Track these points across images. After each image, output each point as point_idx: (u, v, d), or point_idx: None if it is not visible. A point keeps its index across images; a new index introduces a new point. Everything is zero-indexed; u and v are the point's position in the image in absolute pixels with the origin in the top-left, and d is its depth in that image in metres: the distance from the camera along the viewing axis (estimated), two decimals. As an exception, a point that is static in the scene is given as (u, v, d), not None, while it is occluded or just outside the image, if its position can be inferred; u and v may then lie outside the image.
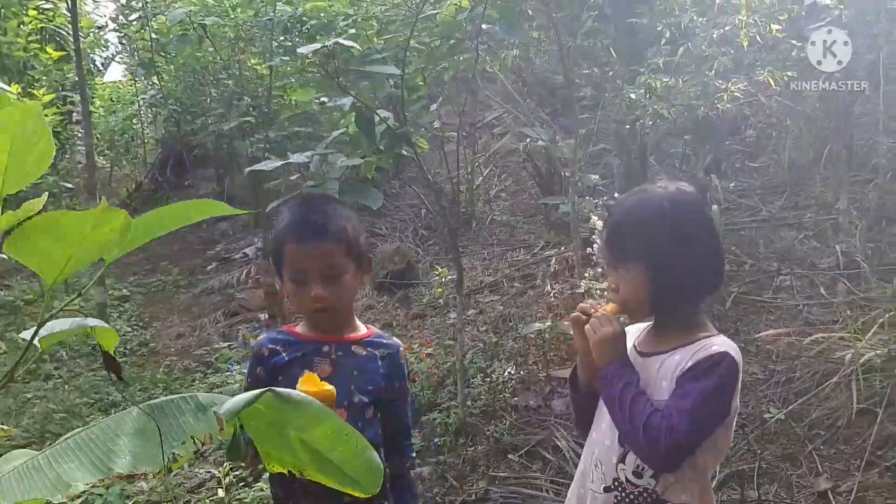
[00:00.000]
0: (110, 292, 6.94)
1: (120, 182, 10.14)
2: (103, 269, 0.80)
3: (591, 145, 5.07)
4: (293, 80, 7.05)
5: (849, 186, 5.04)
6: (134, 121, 10.11)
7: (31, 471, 0.98)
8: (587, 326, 1.62)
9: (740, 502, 2.91)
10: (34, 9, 7.49)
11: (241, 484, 3.50)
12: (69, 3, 6.31)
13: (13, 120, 0.72)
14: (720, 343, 1.54)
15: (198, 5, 6.54)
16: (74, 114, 8.51)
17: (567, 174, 3.78)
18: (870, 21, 4.41)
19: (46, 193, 0.89)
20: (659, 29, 4.37)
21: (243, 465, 3.32)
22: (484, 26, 3.09)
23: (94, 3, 10.39)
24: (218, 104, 7.96)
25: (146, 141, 10.22)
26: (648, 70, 4.31)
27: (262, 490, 3.29)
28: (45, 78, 7.44)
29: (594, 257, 3.76)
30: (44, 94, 5.68)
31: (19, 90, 5.23)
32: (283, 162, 2.86)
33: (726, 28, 4.21)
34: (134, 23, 8.74)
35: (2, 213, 0.77)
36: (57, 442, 1.05)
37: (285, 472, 1.08)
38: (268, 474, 2.87)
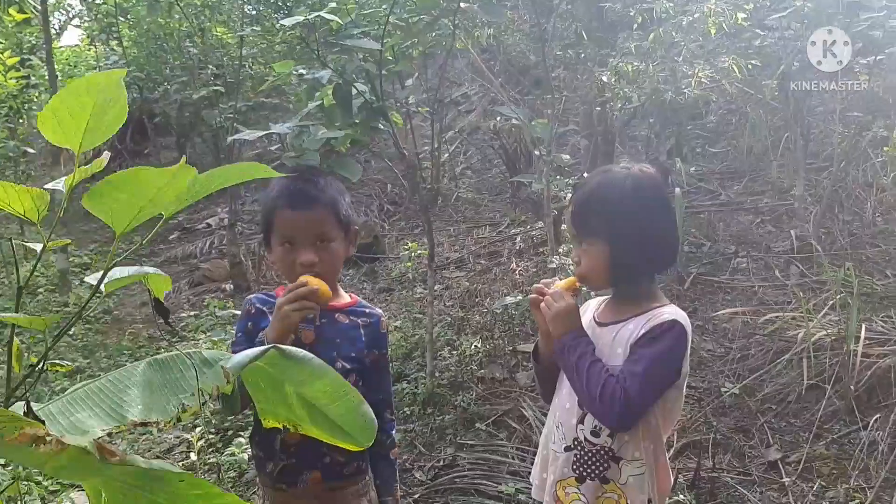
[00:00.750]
0: (71, 259, 6.85)
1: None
2: (161, 223, 0.85)
3: (558, 125, 5.15)
4: (259, 50, 6.98)
5: (804, 173, 5.21)
6: (94, 86, 9.87)
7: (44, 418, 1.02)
8: (542, 304, 1.72)
9: (696, 470, 3.05)
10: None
11: (211, 449, 3.53)
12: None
13: (98, 85, 0.78)
14: (671, 312, 1.65)
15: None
16: (32, 77, 8.29)
17: (538, 153, 3.85)
18: (830, 13, 4.54)
19: (107, 153, 0.93)
20: (632, 14, 4.45)
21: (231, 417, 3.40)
22: (463, 5, 3.12)
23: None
24: (182, 72, 7.85)
25: (106, 107, 9.99)
26: (620, 54, 4.40)
27: (232, 455, 3.33)
28: (7, 41, 7.24)
29: (566, 234, 3.86)
30: (8, 57, 5.55)
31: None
32: (264, 133, 2.87)
33: (695, 15, 4.30)
34: (97, -14, 8.54)
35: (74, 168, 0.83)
36: (66, 392, 1.10)
37: (280, 426, 1.14)
38: (247, 436, 2.91)
